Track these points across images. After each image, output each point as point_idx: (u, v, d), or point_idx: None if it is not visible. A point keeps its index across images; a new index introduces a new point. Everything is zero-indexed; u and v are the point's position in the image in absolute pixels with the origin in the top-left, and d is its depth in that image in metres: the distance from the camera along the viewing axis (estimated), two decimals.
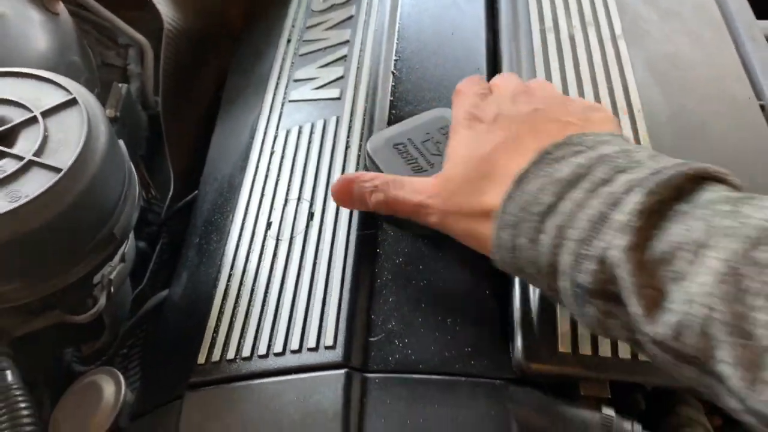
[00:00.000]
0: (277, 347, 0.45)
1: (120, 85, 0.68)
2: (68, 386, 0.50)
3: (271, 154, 0.57)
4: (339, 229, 0.50)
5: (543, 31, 0.62)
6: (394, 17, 0.66)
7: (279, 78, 0.64)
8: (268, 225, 0.52)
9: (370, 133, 0.55)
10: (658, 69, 0.60)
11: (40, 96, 0.47)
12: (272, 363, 0.44)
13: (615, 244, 0.33)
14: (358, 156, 0.54)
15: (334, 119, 0.58)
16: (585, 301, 0.35)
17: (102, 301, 0.51)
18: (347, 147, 0.55)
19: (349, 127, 0.57)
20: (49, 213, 0.42)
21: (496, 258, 0.41)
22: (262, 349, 0.45)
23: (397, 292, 0.47)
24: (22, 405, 0.44)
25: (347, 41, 0.65)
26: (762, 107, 0.58)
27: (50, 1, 0.62)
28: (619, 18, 0.64)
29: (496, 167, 0.41)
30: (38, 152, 0.44)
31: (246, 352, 0.45)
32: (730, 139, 0.55)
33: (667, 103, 0.57)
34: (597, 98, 0.56)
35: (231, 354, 0.46)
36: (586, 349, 0.43)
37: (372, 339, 0.45)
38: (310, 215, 0.52)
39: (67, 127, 0.45)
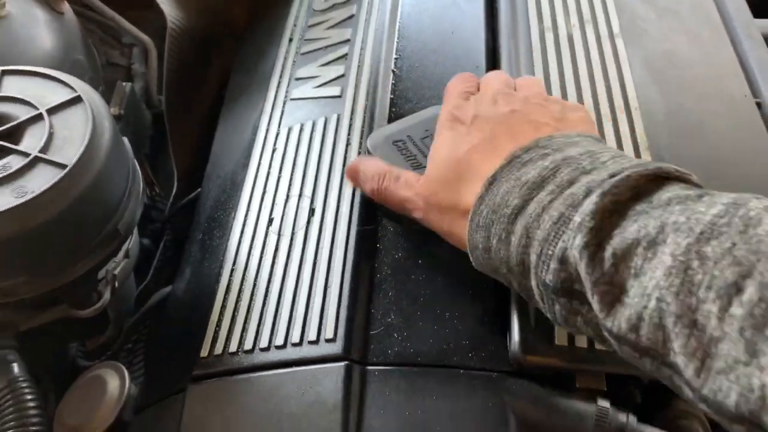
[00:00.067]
0: (279, 340, 0.46)
1: (124, 83, 0.68)
2: (73, 380, 0.51)
3: (273, 151, 0.58)
4: (339, 225, 0.51)
5: (542, 30, 0.63)
6: (394, 16, 0.66)
7: (281, 76, 0.65)
8: (270, 221, 0.53)
9: (371, 130, 0.56)
10: (655, 67, 0.60)
11: (46, 94, 0.48)
12: (274, 356, 0.45)
13: (573, 243, 0.34)
14: (359, 153, 0.55)
15: (335, 117, 0.58)
16: (551, 299, 0.37)
17: (106, 296, 0.52)
18: (348, 144, 0.56)
19: (350, 125, 0.57)
20: (55, 208, 0.43)
21: (472, 259, 0.42)
22: (263, 342, 0.46)
23: (396, 286, 0.48)
24: (29, 397, 0.44)
25: (348, 40, 0.65)
26: (758, 105, 0.59)
27: (55, 1, 0.63)
28: (617, 16, 0.64)
29: (472, 168, 0.43)
30: (44, 149, 0.44)
31: (248, 345, 0.46)
32: (727, 137, 0.56)
33: (664, 101, 0.57)
34: (595, 96, 0.57)
35: (233, 347, 0.47)
36: (582, 342, 0.43)
37: (372, 332, 0.46)
38: (311, 211, 0.52)
39: (72, 125, 0.46)
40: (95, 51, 0.69)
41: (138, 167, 0.52)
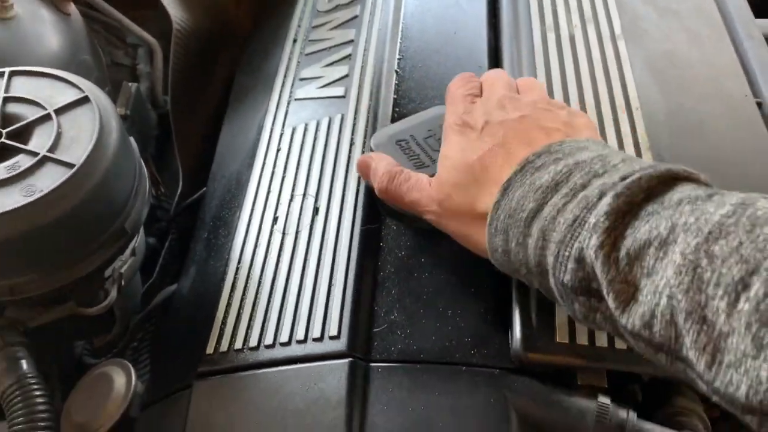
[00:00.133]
0: (283, 337, 0.46)
1: (130, 84, 0.69)
2: (80, 378, 0.51)
3: (278, 151, 0.59)
4: (343, 223, 0.51)
5: (544, 31, 0.63)
6: (397, 17, 0.67)
7: (285, 77, 0.66)
8: (275, 220, 0.54)
9: (374, 130, 0.56)
10: (656, 67, 0.60)
11: (54, 94, 0.48)
12: (278, 353, 0.46)
13: (589, 243, 0.35)
14: (363, 153, 0.55)
15: (338, 117, 0.59)
16: (570, 298, 0.38)
17: (113, 293, 0.52)
18: (352, 144, 0.57)
19: (354, 125, 0.58)
20: (63, 207, 0.43)
21: (493, 261, 0.44)
22: (268, 340, 0.46)
23: (399, 284, 0.48)
24: (38, 393, 0.45)
25: (352, 41, 0.66)
26: (759, 104, 0.59)
27: (62, 2, 0.64)
28: (618, 17, 0.64)
29: (486, 173, 0.43)
30: (52, 148, 0.45)
31: (253, 342, 0.47)
32: (727, 137, 0.56)
33: (665, 101, 0.58)
34: (596, 96, 0.57)
35: (239, 344, 0.47)
36: (583, 339, 0.44)
37: (375, 329, 0.46)
38: (315, 210, 0.53)
39: (79, 124, 0.47)
40: (101, 51, 0.70)
41: (144, 166, 0.53)
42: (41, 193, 0.43)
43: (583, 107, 0.56)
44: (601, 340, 0.44)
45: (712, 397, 0.31)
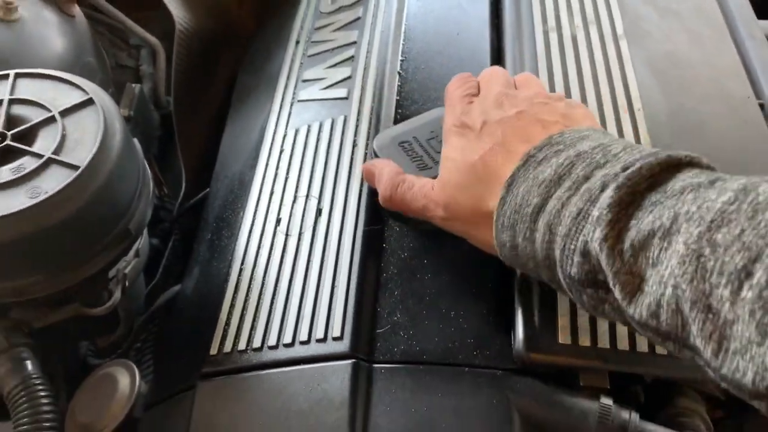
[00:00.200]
0: (287, 338, 0.46)
1: (133, 85, 0.69)
2: (84, 378, 0.52)
3: (281, 152, 0.59)
4: (346, 225, 0.52)
5: (546, 31, 0.63)
6: (400, 19, 0.67)
7: (288, 78, 0.66)
8: (278, 221, 0.54)
9: (377, 131, 0.57)
10: (658, 68, 0.61)
11: (58, 96, 0.49)
12: (282, 353, 0.46)
13: (593, 237, 0.36)
14: (365, 154, 0.56)
15: (341, 118, 0.59)
16: (578, 290, 0.38)
17: (117, 294, 0.53)
18: (354, 145, 0.57)
19: (356, 126, 0.58)
20: (68, 209, 0.43)
21: (501, 256, 0.44)
22: (272, 340, 0.47)
23: (402, 285, 0.49)
24: (42, 394, 0.45)
25: (354, 42, 0.66)
26: (761, 106, 0.59)
27: (66, 4, 0.64)
28: (620, 17, 0.65)
29: (488, 172, 0.44)
30: (57, 150, 0.45)
31: (257, 343, 0.47)
32: (729, 138, 0.56)
33: (667, 102, 0.58)
34: (598, 97, 0.57)
35: (242, 345, 0.47)
36: (585, 340, 0.44)
37: (378, 330, 0.46)
38: (318, 212, 0.53)
39: (84, 126, 0.47)
40: (104, 53, 0.70)
41: (148, 168, 0.53)
42: (46, 195, 0.43)
43: None
44: (604, 341, 0.44)
45: (721, 384, 0.32)
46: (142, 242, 0.56)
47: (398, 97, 0.60)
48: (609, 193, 0.36)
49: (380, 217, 0.52)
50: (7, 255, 0.44)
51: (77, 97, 0.48)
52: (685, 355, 0.34)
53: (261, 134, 0.62)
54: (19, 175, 0.44)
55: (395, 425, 0.42)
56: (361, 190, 0.53)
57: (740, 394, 0.31)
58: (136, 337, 0.61)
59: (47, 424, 0.44)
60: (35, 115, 0.47)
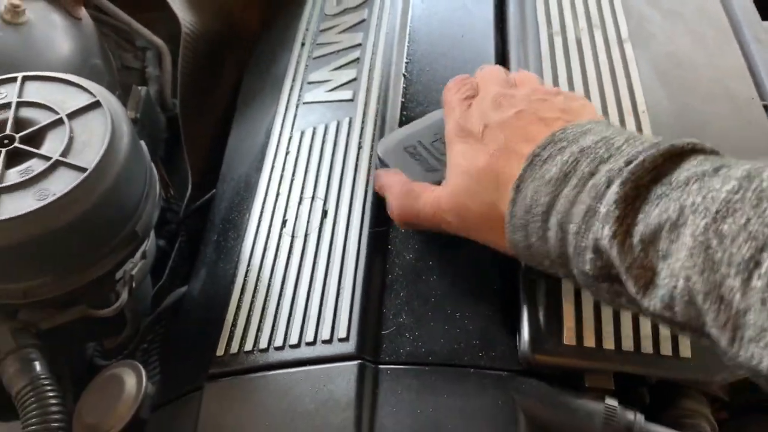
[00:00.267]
0: (293, 339, 0.47)
1: (140, 87, 0.70)
2: (91, 379, 0.52)
3: (286, 154, 0.59)
4: (351, 226, 0.52)
5: (551, 34, 0.63)
6: (405, 20, 0.67)
7: (293, 80, 0.66)
8: (284, 223, 0.54)
9: (382, 133, 0.57)
10: (663, 71, 0.61)
11: (66, 98, 0.49)
12: (288, 354, 0.46)
13: (602, 234, 0.36)
14: (370, 156, 0.56)
15: (346, 120, 0.59)
16: (594, 285, 0.39)
17: (124, 296, 0.53)
18: (360, 147, 0.57)
19: (362, 128, 0.58)
20: (76, 211, 0.44)
21: (516, 255, 0.44)
22: (278, 342, 0.47)
23: (407, 286, 0.49)
24: (51, 395, 0.45)
25: (359, 44, 0.66)
26: (766, 107, 0.59)
27: (73, 7, 0.64)
28: (625, 20, 0.65)
29: (496, 176, 0.44)
30: (65, 152, 0.45)
31: (263, 344, 0.47)
32: (734, 139, 0.56)
33: (671, 104, 0.58)
34: (603, 100, 0.57)
35: (249, 346, 0.47)
36: (590, 341, 0.44)
37: (384, 332, 0.47)
38: (324, 213, 0.53)
39: (91, 129, 0.47)
40: (111, 55, 0.70)
41: (155, 170, 0.53)
42: (54, 197, 0.43)
43: None
44: (609, 343, 0.44)
45: (739, 371, 0.32)
46: (149, 244, 0.56)
47: (403, 99, 0.60)
48: (614, 189, 0.36)
49: (386, 219, 0.52)
50: (15, 257, 0.44)
51: (84, 100, 0.49)
52: (703, 343, 0.34)
53: (267, 136, 0.62)
54: (27, 177, 0.44)
55: (401, 426, 0.42)
56: (366, 192, 0.54)
57: (758, 380, 0.31)
58: (142, 338, 0.61)
59: (56, 425, 0.44)
60: (43, 118, 0.48)
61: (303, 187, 0.56)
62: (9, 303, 0.47)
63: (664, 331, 0.45)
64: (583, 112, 0.46)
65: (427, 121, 0.55)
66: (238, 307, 0.50)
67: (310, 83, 0.65)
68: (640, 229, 0.35)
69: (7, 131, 0.47)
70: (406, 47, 0.65)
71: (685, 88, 0.60)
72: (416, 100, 0.60)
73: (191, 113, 0.72)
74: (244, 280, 0.52)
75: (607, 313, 0.45)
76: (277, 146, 0.60)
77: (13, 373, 0.46)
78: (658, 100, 0.58)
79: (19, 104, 0.48)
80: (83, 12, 0.66)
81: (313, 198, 0.55)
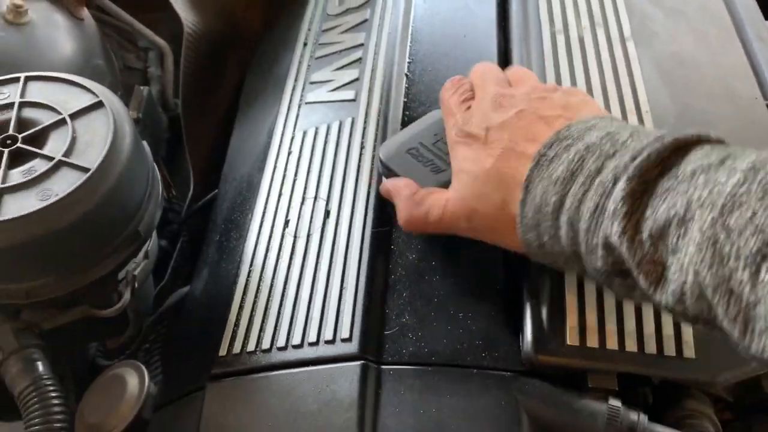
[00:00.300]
0: (296, 340, 0.47)
1: (142, 87, 0.70)
2: (93, 379, 0.52)
3: (289, 154, 0.59)
4: (354, 226, 0.52)
5: (553, 33, 0.63)
6: (407, 20, 0.67)
7: (296, 80, 0.66)
8: (286, 223, 0.54)
9: (384, 133, 0.57)
10: (666, 70, 0.60)
11: (68, 99, 0.49)
12: (291, 355, 0.46)
13: (612, 231, 0.36)
14: (373, 156, 0.56)
15: (349, 120, 0.59)
16: (608, 280, 0.39)
17: (126, 296, 0.53)
18: (362, 147, 0.57)
19: (364, 128, 0.58)
20: (78, 211, 0.44)
21: (529, 255, 0.44)
22: (281, 342, 0.47)
23: (410, 286, 0.49)
24: (53, 395, 0.45)
25: (362, 44, 0.66)
26: None
27: (75, 7, 0.64)
28: (628, 19, 0.64)
29: (504, 178, 0.44)
30: (67, 153, 0.45)
31: (265, 344, 0.47)
32: (737, 139, 0.55)
33: (674, 103, 0.58)
34: (606, 99, 0.57)
35: (251, 346, 0.47)
36: (593, 342, 0.44)
37: (387, 332, 0.46)
38: (327, 213, 0.53)
39: (94, 129, 0.47)
40: (113, 56, 0.70)
41: (157, 170, 0.53)
42: (56, 198, 0.43)
43: None
44: (612, 343, 0.44)
45: (752, 363, 0.33)
46: (151, 244, 0.56)
47: (405, 99, 0.60)
48: (621, 185, 0.36)
49: (388, 219, 0.52)
50: (17, 257, 0.44)
51: (87, 100, 0.49)
52: (717, 335, 0.34)
53: (269, 136, 0.62)
54: (30, 177, 0.44)
55: (404, 426, 0.42)
56: (369, 192, 0.54)
57: None
58: (144, 339, 0.61)
59: (58, 425, 0.44)
60: (46, 118, 0.48)
61: (305, 187, 0.56)
62: (11, 303, 0.47)
63: (668, 331, 0.45)
64: (583, 107, 0.46)
65: (427, 121, 0.54)
66: (241, 307, 0.50)
67: (312, 83, 0.65)
68: (649, 224, 0.35)
69: (10, 131, 0.47)
70: (408, 47, 0.65)
71: (687, 87, 0.59)
72: (418, 100, 0.60)
73: (193, 113, 0.72)
74: (247, 280, 0.52)
75: (610, 314, 0.45)
76: (280, 146, 0.60)
77: (16, 374, 0.46)
78: (661, 99, 0.58)
79: (22, 104, 0.48)
80: (86, 12, 0.66)
81: (315, 198, 0.55)
